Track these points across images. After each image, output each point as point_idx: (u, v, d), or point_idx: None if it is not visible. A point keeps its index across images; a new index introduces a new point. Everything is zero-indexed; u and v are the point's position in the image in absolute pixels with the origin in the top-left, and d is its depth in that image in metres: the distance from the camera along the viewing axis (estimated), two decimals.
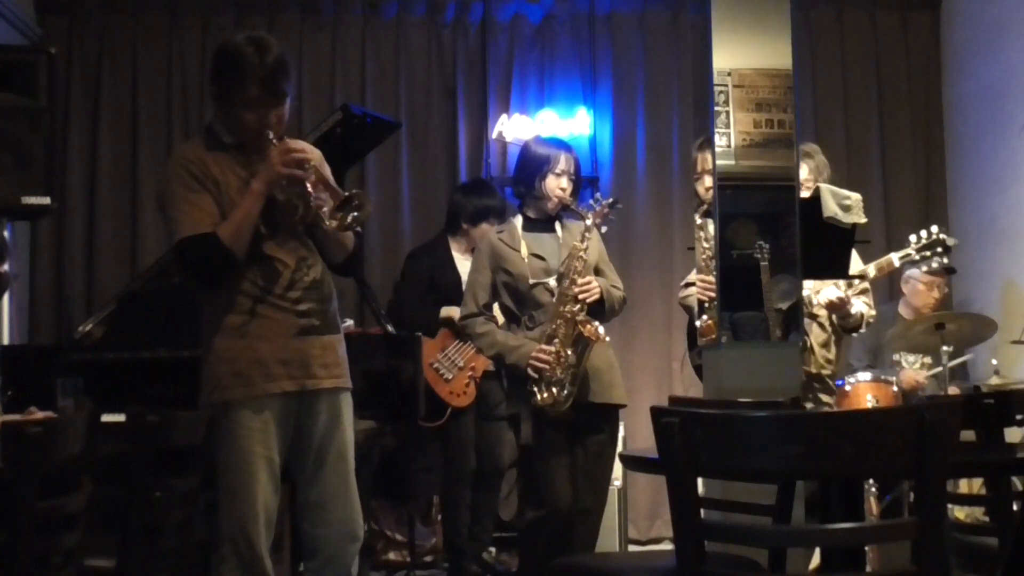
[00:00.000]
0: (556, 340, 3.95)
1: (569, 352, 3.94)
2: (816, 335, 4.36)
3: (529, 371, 3.94)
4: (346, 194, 3.13)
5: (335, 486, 3.24)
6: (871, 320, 4.53)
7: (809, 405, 4.29)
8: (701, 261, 4.22)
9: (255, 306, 3.16)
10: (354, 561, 3.27)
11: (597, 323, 3.96)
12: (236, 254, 3.10)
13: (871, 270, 4.46)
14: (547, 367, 3.92)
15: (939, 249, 4.46)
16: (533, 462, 4.06)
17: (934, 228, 4.50)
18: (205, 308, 3.24)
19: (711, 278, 3.92)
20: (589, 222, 4.08)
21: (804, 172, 4.33)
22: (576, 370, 3.93)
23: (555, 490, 3.96)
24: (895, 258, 4.49)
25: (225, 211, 3.14)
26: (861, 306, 4.42)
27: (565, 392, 3.93)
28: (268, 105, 3.15)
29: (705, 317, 4.12)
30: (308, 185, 3.12)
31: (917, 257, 4.49)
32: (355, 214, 3.12)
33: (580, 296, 3.97)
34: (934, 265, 4.55)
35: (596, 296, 3.99)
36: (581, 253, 4.01)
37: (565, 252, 4.07)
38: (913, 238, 4.49)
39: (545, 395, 3.93)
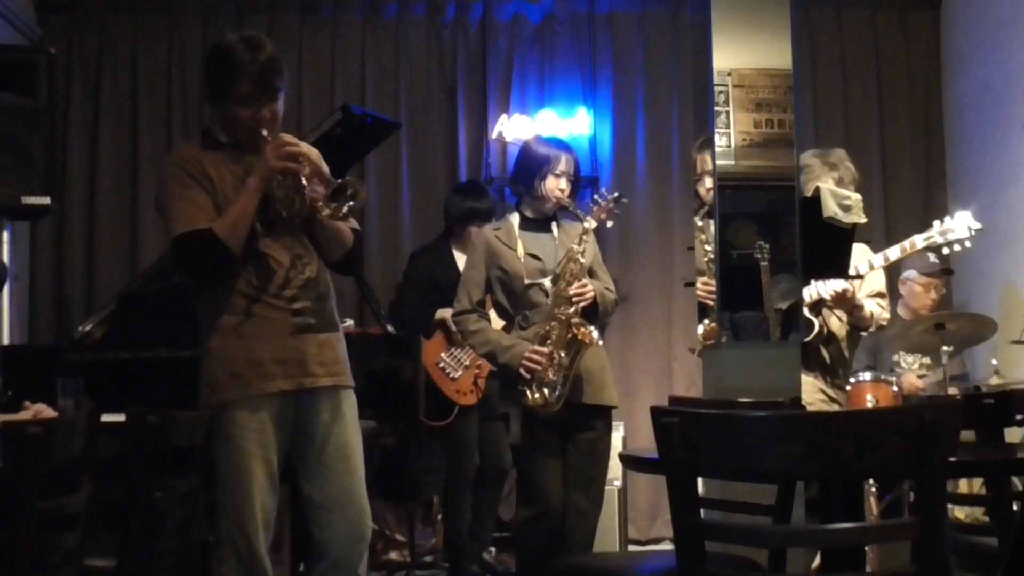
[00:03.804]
0: (549, 341, 3.96)
1: (562, 354, 3.94)
2: (837, 328, 4.36)
3: (521, 371, 3.94)
4: (338, 182, 3.13)
5: (338, 486, 3.22)
6: (883, 322, 4.51)
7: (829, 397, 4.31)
8: (703, 264, 4.22)
9: (250, 306, 3.15)
10: (362, 560, 3.26)
11: (592, 327, 3.96)
12: (233, 250, 3.09)
13: (894, 252, 4.40)
14: (539, 368, 3.92)
15: (962, 233, 4.43)
16: (524, 461, 4.07)
17: (959, 213, 4.46)
18: (201, 309, 3.23)
19: (712, 281, 3.91)
20: (587, 225, 4.08)
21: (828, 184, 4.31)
22: (568, 372, 3.93)
23: (547, 489, 3.96)
24: (919, 240, 4.44)
25: (221, 209, 3.14)
26: (873, 306, 4.41)
27: (556, 394, 3.93)
28: (262, 101, 3.16)
29: (708, 321, 4.11)
30: (303, 178, 3.12)
31: (941, 240, 4.43)
32: (350, 203, 3.11)
33: (575, 299, 3.97)
34: (956, 248, 4.49)
35: (590, 300, 3.99)
36: (578, 256, 4.01)
37: (561, 253, 4.07)
38: (937, 223, 4.45)
39: (536, 396, 3.93)
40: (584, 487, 4.03)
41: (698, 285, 4.21)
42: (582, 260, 4.02)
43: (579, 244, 4.03)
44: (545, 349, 3.93)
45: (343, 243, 3.28)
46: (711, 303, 3.94)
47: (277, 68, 3.17)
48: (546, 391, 3.92)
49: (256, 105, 3.15)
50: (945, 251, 4.55)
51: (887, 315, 4.53)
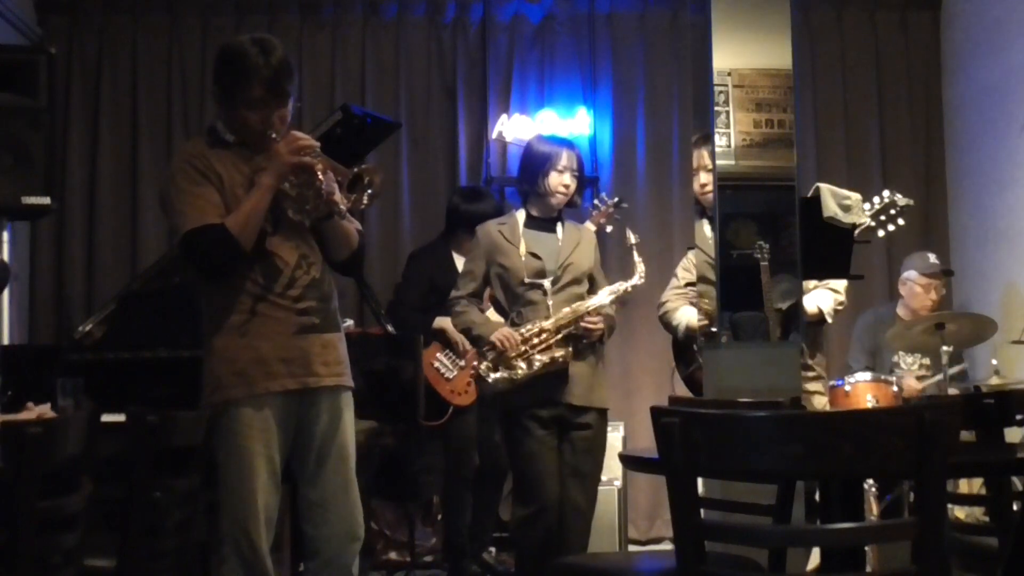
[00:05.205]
0: (537, 339, 3.98)
1: (537, 356, 3.97)
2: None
3: (493, 337, 3.98)
4: (355, 170, 3.13)
5: (336, 486, 3.23)
6: (840, 307, 4.47)
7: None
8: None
9: (255, 305, 3.16)
10: (355, 561, 3.27)
11: (570, 358, 4.00)
12: (244, 247, 3.09)
13: None
14: (508, 349, 3.96)
15: (892, 212, 4.42)
16: (520, 460, 4.07)
17: (885, 192, 4.46)
18: (205, 308, 3.24)
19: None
20: (629, 286, 4.18)
21: None
22: (529, 372, 3.97)
23: (543, 487, 3.97)
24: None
25: (229, 207, 3.13)
26: (820, 300, 4.36)
27: (506, 376, 3.98)
28: (271, 106, 3.16)
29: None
30: (318, 173, 3.11)
31: (873, 224, 4.44)
32: (369, 191, 3.13)
33: (584, 325, 4.01)
34: (890, 228, 4.45)
35: (597, 336, 4.07)
36: (605, 309, 4.10)
37: (564, 253, 4.09)
38: (867, 206, 4.44)
39: (488, 364, 4.00)
40: (581, 484, 4.04)
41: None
42: (611, 311, 4.12)
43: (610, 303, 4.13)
44: (519, 337, 3.96)
45: (351, 243, 3.29)
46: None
47: (288, 72, 3.17)
48: (502, 371, 3.95)
49: (266, 109, 3.15)
50: (880, 233, 4.49)
51: (843, 297, 4.46)
